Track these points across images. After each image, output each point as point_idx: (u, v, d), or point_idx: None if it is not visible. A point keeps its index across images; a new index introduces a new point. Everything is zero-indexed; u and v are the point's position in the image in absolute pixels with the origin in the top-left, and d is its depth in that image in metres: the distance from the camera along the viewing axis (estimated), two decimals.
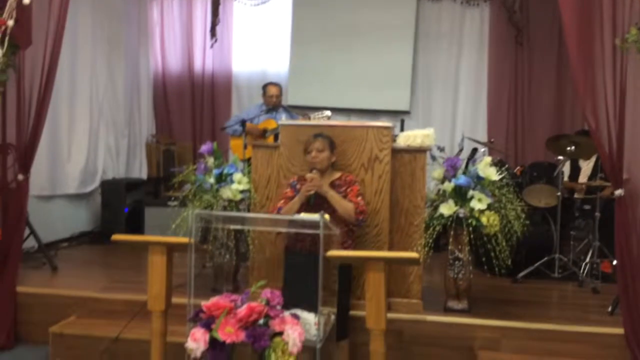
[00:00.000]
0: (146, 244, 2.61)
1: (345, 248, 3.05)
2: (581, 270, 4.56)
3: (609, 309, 3.71)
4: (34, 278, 4.21)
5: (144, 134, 7.03)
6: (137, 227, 5.71)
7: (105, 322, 3.70)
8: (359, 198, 3.08)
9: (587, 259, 4.62)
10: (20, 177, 3.91)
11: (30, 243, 4.66)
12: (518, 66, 6.80)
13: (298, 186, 3.14)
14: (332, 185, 3.07)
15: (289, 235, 3.10)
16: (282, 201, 3.17)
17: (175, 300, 2.74)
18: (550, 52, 6.70)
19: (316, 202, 2.98)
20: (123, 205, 5.79)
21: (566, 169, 5.32)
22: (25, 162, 3.92)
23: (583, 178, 5.20)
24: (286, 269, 3.15)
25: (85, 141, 5.91)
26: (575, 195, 5.14)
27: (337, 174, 3.16)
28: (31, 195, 4.74)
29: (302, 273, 2.87)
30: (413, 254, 2.36)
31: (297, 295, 2.63)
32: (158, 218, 5.56)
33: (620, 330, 3.33)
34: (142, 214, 5.79)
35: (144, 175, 6.85)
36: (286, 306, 2.51)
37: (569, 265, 4.56)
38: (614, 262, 4.31)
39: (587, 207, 4.84)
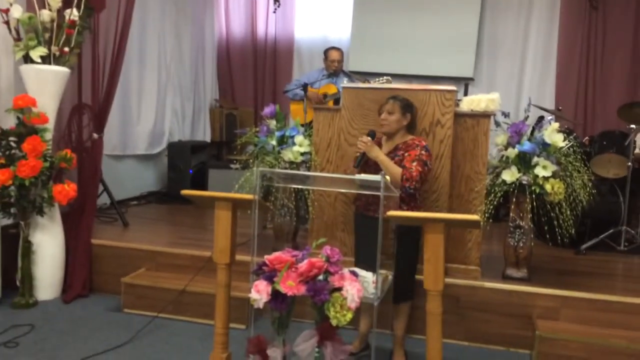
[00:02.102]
0: (213, 200, 2.71)
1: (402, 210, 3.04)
2: None
3: None
4: (106, 232, 4.47)
5: (207, 98, 7.21)
6: (200, 188, 5.90)
7: (172, 275, 3.92)
8: (414, 163, 2.91)
9: None
10: (95, 136, 4.13)
11: (103, 200, 4.93)
12: (591, 32, 6.47)
13: None
14: (395, 148, 3.03)
15: (356, 195, 3.12)
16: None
17: (238, 257, 2.85)
18: (626, 17, 6.33)
19: (372, 165, 2.99)
20: (188, 166, 6.00)
21: (638, 139, 5.08)
22: (99, 122, 4.13)
23: None
24: (356, 230, 3.20)
25: (153, 104, 6.13)
26: None
27: (407, 137, 3.07)
28: (104, 155, 5.01)
29: (362, 232, 2.93)
30: (474, 216, 2.34)
31: (362, 254, 2.69)
32: (221, 179, 5.74)
33: None
34: (206, 175, 5.98)
35: (207, 138, 7.06)
36: (357, 264, 2.58)
37: (636, 238, 4.41)
38: None
39: None
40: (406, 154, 2.99)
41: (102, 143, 4.22)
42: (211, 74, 7.30)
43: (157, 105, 6.18)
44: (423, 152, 2.97)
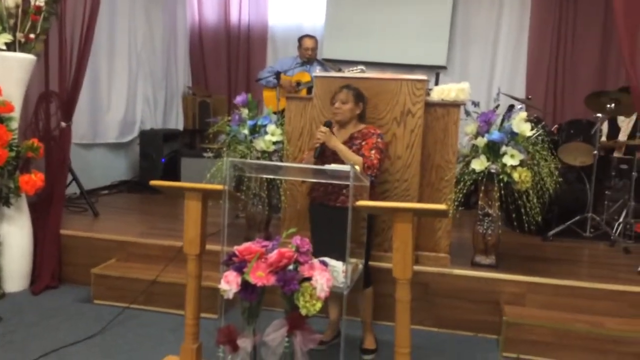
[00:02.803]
0: (182, 190, 2.70)
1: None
2: (614, 230, 4.51)
3: (639, 268, 3.68)
4: (76, 222, 4.41)
5: (180, 86, 7.13)
6: (173, 176, 5.86)
7: (143, 266, 3.89)
8: (373, 152, 2.94)
9: (621, 219, 4.56)
10: (63, 124, 4.06)
11: (72, 189, 4.86)
12: (562, 21, 6.57)
13: None
14: (350, 137, 3.03)
15: (314, 187, 3.13)
16: (306, 152, 3.18)
17: (210, 247, 2.84)
18: (597, 7, 6.43)
19: (329, 155, 2.97)
20: (160, 155, 5.93)
21: (604, 127, 5.19)
22: (67, 109, 4.06)
23: (623, 137, 5.08)
24: (312, 220, 3.19)
25: (124, 91, 6.04)
26: (614, 154, 5.04)
27: (360, 127, 3.09)
28: (73, 143, 4.92)
29: (328, 224, 2.93)
30: (441, 206, 2.37)
31: (325, 245, 2.69)
32: (193, 168, 5.70)
33: None
34: (179, 164, 5.94)
35: (180, 126, 7.00)
36: (314, 255, 2.58)
37: (601, 224, 4.52)
38: None
39: (624, 166, 4.75)
40: (363, 143, 3.01)
41: (71, 132, 4.15)
42: (183, 61, 7.21)
43: (128, 93, 6.09)
44: (379, 140, 3.02)
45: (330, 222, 2.90)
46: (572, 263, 4.01)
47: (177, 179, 5.86)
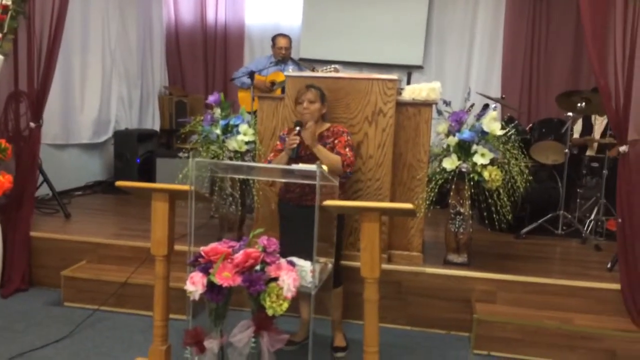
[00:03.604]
0: (149, 191, 2.67)
1: (335, 199, 3.06)
2: (585, 228, 4.57)
3: (608, 265, 3.74)
4: (47, 224, 4.35)
5: (156, 86, 7.05)
6: (148, 177, 5.79)
7: (114, 267, 3.85)
8: (347, 149, 3.00)
9: (592, 217, 4.62)
10: (32, 124, 3.99)
11: (45, 190, 4.79)
12: (535, 21, 6.63)
13: (287, 138, 3.09)
14: (320, 136, 3.04)
15: (283, 187, 3.12)
16: (272, 154, 3.15)
17: (180, 248, 2.82)
18: (569, 8, 6.50)
19: (303, 155, 2.97)
20: (135, 155, 5.87)
21: (578, 126, 5.26)
22: (36, 109, 3.99)
23: (596, 136, 5.14)
24: (281, 219, 3.17)
25: (98, 91, 5.96)
26: (587, 153, 5.10)
27: (326, 125, 3.11)
28: (45, 144, 4.87)
29: (297, 223, 2.92)
30: (407, 205, 2.38)
31: (294, 245, 2.69)
32: (169, 169, 5.62)
33: (617, 286, 3.38)
34: (154, 164, 5.87)
35: (156, 126, 6.92)
36: (283, 255, 2.58)
37: (573, 222, 4.57)
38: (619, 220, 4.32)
39: (595, 164, 4.81)
40: (336, 141, 3.03)
41: (40, 132, 4.08)
42: (159, 60, 7.13)
43: (101, 93, 6.01)
44: (349, 137, 3.08)
45: (303, 222, 2.87)
46: (543, 260, 4.05)
47: (152, 179, 5.79)
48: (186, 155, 4.01)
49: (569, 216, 4.59)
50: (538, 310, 3.42)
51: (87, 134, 5.87)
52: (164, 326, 2.77)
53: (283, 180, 3.06)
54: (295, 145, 2.94)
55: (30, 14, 3.88)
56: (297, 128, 2.97)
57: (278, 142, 3.18)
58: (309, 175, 2.50)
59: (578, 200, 4.84)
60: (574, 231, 4.60)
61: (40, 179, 4.57)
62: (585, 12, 3.24)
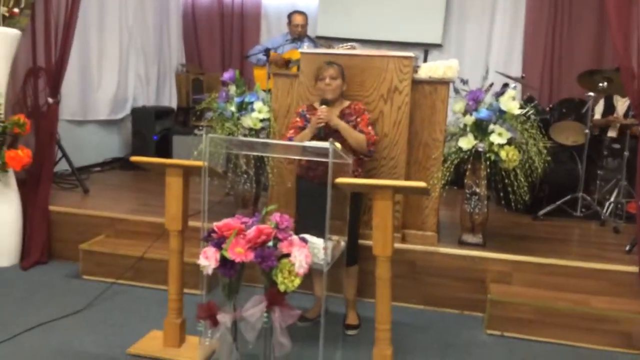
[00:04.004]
0: (163, 166, 2.69)
1: (356, 177, 3.06)
2: (604, 210, 4.50)
3: (627, 247, 3.69)
4: (66, 199, 4.41)
5: (173, 63, 7.06)
6: (165, 154, 5.83)
7: (131, 242, 3.90)
8: (369, 127, 3.02)
9: (612, 199, 4.55)
10: (50, 100, 4.03)
11: (64, 166, 4.85)
12: None
13: (308, 115, 3.09)
14: (342, 114, 3.02)
15: (301, 164, 3.10)
16: (291, 131, 3.11)
17: (195, 224, 2.85)
18: None
19: (327, 133, 2.94)
20: (152, 133, 5.90)
21: (600, 107, 5.15)
22: (54, 85, 4.02)
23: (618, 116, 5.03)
24: (298, 196, 3.17)
25: (115, 68, 5.98)
26: (609, 133, 5.00)
27: (346, 103, 3.09)
28: (63, 120, 4.93)
29: (313, 201, 2.91)
30: (420, 183, 2.36)
31: (310, 222, 2.69)
32: (186, 146, 5.64)
33: (634, 269, 3.33)
34: (171, 141, 5.91)
35: (173, 104, 6.94)
36: (298, 232, 2.58)
37: (592, 204, 4.51)
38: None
39: (616, 146, 4.71)
40: (358, 119, 3.03)
41: (58, 108, 4.12)
42: (177, 37, 7.12)
43: (119, 69, 6.03)
44: (369, 116, 3.10)
45: (324, 200, 2.85)
46: (560, 242, 4.01)
47: (169, 156, 5.83)
48: (201, 132, 4.02)
49: (588, 198, 4.52)
50: (553, 292, 3.39)
51: (105, 110, 5.91)
52: (178, 300, 2.82)
53: (300, 157, 3.03)
54: (323, 124, 2.92)
55: None
56: (323, 106, 2.94)
57: (298, 119, 3.14)
58: (322, 152, 2.49)
59: (598, 182, 4.76)
60: (592, 213, 4.53)
61: (59, 154, 4.62)
62: None
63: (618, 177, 4.61)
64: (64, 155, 4.73)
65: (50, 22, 3.91)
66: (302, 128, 3.06)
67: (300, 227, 2.80)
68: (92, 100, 5.72)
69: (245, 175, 3.89)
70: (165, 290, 3.47)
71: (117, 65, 6.00)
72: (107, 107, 5.92)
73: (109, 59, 5.89)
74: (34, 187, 4.01)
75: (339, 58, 3.35)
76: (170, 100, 6.94)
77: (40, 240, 3.95)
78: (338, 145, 2.48)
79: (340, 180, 2.42)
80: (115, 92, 6.00)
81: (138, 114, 6.04)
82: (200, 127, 3.97)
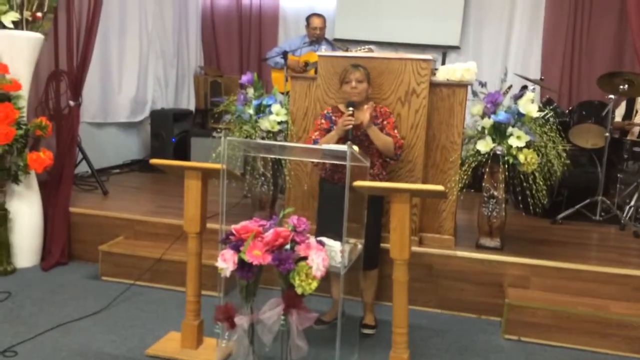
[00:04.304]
0: (182, 169, 2.72)
1: (380, 180, 3.05)
2: (624, 214, 4.44)
3: None
4: (86, 200, 4.47)
5: (192, 66, 7.13)
6: (183, 156, 5.87)
7: (150, 244, 3.95)
8: (395, 131, 3.04)
9: (632, 203, 4.49)
10: (72, 103, 4.09)
11: (84, 168, 4.93)
12: (578, 0, 6.40)
13: (334, 118, 3.10)
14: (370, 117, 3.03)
15: (327, 166, 3.10)
16: (316, 133, 3.10)
17: (212, 226, 2.87)
18: None
19: (355, 135, 2.94)
20: (171, 135, 5.96)
21: (621, 109, 5.08)
22: (76, 88, 4.09)
23: (638, 120, 4.96)
24: (321, 199, 3.18)
25: (135, 71, 6.05)
26: (629, 137, 4.94)
27: (372, 106, 3.08)
28: (84, 122, 4.99)
29: (337, 203, 2.91)
30: (438, 187, 2.36)
31: (331, 224, 2.69)
32: (204, 148, 5.70)
33: None
34: (189, 144, 5.95)
35: (191, 106, 7.01)
36: (319, 235, 2.59)
37: (612, 208, 4.45)
38: None
39: (637, 149, 4.65)
40: (385, 122, 3.04)
41: (79, 110, 4.18)
42: (195, 40, 7.19)
43: (139, 73, 6.10)
44: (394, 120, 3.10)
45: (333, 201, 2.82)
46: (579, 246, 3.96)
47: (187, 158, 5.87)
48: (220, 134, 4.05)
49: (608, 202, 4.46)
50: (572, 297, 3.35)
51: (125, 113, 5.98)
52: (196, 302, 2.84)
53: (317, 160, 3.03)
54: (351, 126, 2.91)
55: None
56: (351, 109, 2.94)
57: (323, 121, 3.13)
58: (341, 155, 2.50)
59: (618, 185, 4.69)
60: (612, 217, 4.47)
61: (80, 156, 4.69)
62: None
63: (638, 181, 4.54)
64: (84, 157, 4.80)
65: (72, 26, 3.97)
66: (328, 130, 3.06)
67: (322, 229, 2.81)
68: (112, 103, 5.79)
69: (263, 178, 3.91)
70: (182, 292, 3.50)
71: (137, 69, 6.06)
72: (126, 110, 5.99)
73: (129, 63, 5.96)
74: (54, 189, 4.07)
75: (357, 61, 3.35)
76: (189, 102, 7.01)
77: (61, 241, 4.01)
78: (356, 148, 2.48)
79: (358, 183, 2.42)
80: (135, 95, 6.07)
81: (157, 116, 6.10)
82: (219, 130, 4.00)
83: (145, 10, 6.14)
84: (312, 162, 3.46)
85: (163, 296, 3.59)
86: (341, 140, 2.93)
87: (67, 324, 3.11)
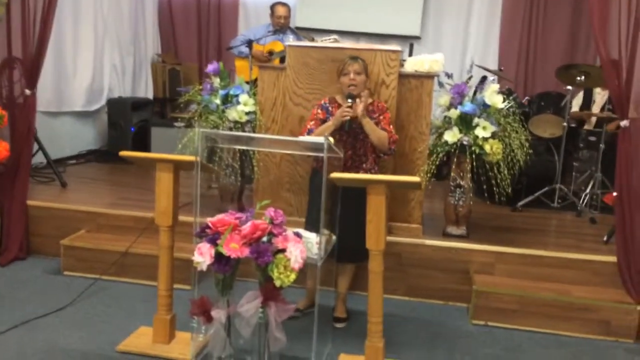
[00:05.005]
0: (153, 161, 2.65)
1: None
2: (581, 201, 4.62)
3: (605, 238, 3.80)
4: (43, 193, 4.31)
5: (149, 53, 6.92)
6: (143, 146, 5.74)
7: (113, 237, 3.84)
8: (391, 127, 3.06)
9: (588, 190, 4.67)
10: (27, 91, 3.92)
11: (39, 159, 4.73)
12: None
13: (330, 109, 3.08)
14: (366, 111, 3.01)
15: (317, 158, 3.08)
16: (312, 122, 3.08)
17: (181, 218, 2.82)
18: None
19: (351, 128, 2.95)
20: (129, 124, 5.79)
21: (578, 99, 5.25)
22: (31, 77, 3.91)
23: (596, 109, 5.13)
24: (311, 189, 3.17)
25: (90, 58, 5.84)
26: (585, 127, 5.12)
27: (370, 100, 3.08)
28: (38, 112, 4.77)
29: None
30: (414, 178, 2.39)
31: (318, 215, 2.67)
32: (164, 138, 5.59)
33: (612, 259, 3.43)
34: (149, 133, 5.81)
35: (149, 94, 6.81)
36: (308, 225, 2.56)
37: (569, 195, 4.62)
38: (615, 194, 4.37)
39: (592, 138, 4.83)
40: (381, 117, 3.05)
41: (35, 99, 4.01)
42: (152, 27, 6.97)
43: (94, 60, 5.89)
44: (390, 115, 3.12)
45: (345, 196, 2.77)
46: (540, 233, 4.11)
47: (147, 148, 5.74)
48: (183, 124, 3.98)
49: (565, 189, 4.63)
50: (535, 282, 3.47)
51: (80, 101, 5.77)
52: (168, 296, 2.79)
53: (293, 152, 3.01)
54: (348, 118, 2.90)
55: None
56: (350, 100, 2.93)
57: (319, 111, 3.11)
58: (318, 147, 2.50)
59: (574, 173, 4.87)
60: (569, 204, 4.65)
61: (35, 147, 4.50)
62: None
63: (592, 169, 4.73)
64: (41, 148, 4.62)
65: (26, 10, 3.79)
66: (323, 120, 3.04)
67: (309, 220, 2.80)
68: (67, 91, 5.57)
69: (230, 169, 3.86)
70: (149, 286, 3.48)
71: (92, 55, 5.85)
72: (82, 98, 5.78)
73: (84, 49, 5.74)
74: (10, 182, 3.90)
75: (326, 51, 3.36)
76: (147, 91, 6.81)
77: (19, 235, 3.86)
78: (331, 139, 2.48)
79: (334, 175, 2.43)
80: (91, 82, 5.85)
81: (114, 105, 5.91)
82: (180, 119, 3.93)
83: None
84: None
85: (129, 290, 3.52)
86: (336, 131, 2.95)
87: (32, 321, 3.00)
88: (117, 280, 3.62)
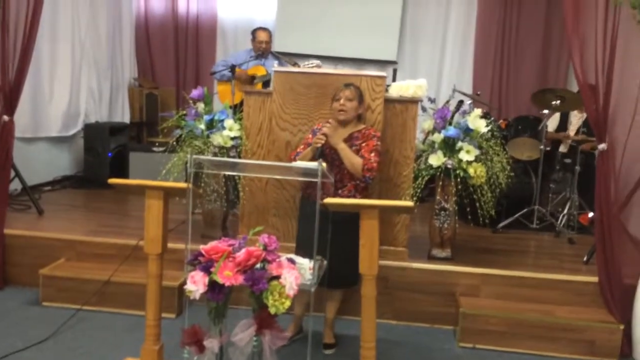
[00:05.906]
0: (143, 188, 2.61)
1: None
2: (558, 222, 4.72)
3: (585, 258, 3.88)
4: (20, 221, 4.19)
5: (126, 78, 6.87)
6: (120, 171, 5.65)
7: (94, 265, 3.76)
8: (373, 154, 2.99)
9: (565, 211, 4.77)
10: (6, 118, 3.84)
11: (13, 185, 4.61)
12: (506, 19, 6.79)
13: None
14: (350, 137, 3.02)
15: (306, 184, 3.07)
16: (301, 146, 3.11)
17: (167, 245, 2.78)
18: (539, 5, 6.69)
19: (328, 153, 2.95)
20: (107, 149, 5.71)
21: (554, 121, 5.38)
22: (10, 103, 3.84)
23: (572, 130, 5.25)
24: (300, 217, 3.17)
25: (67, 82, 5.76)
26: (561, 149, 5.24)
27: (360, 127, 3.10)
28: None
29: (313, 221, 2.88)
30: (408, 203, 2.42)
31: (307, 241, 2.66)
32: (143, 163, 5.53)
33: (593, 279, 3.50)
34: (127, 158, 5.73)
35: (126, 119, 6.74)
36: (298, 251, 2.53)
37: (546, 216, 4.71)
38: (591, 215, 4.48)
39: (568, 160, 4.96)
40: (363, 144, 3.03)
41: (14, 125, 3.93)
42: (129, 51, 6.93)
43: (71, 84, 5.81)
44: (378, 143, 3.06)
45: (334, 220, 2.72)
46: (521, 254, 4.18)
47: (125, 174, 5.66)
48: (162, 149, 3.94)
49: (543, 210, 4.73)
50: (520, 303, 3.52)
51: (57, 126, 5.67)
52: (156, 325, 2.72)
53: (283, 177, 3.00)
54: (320, 144, 2.91)
55: (5, 4, 3.71)
56: (328, 123, 2.97)
57: (310, 136, 3.14)
58: (309, 173, 2.50)
59: (550, 195, 4.98)
60: (548, 225, 4.74)
61: (12, 173, 4.39)
62: (568, 17, 3.32)
63: (567, 190, 4.84)
64: (17, 174, 4.50)
65: (6, 37, 3.73)
66: (310, 145, 3.05)
67: (300, 246, 2.78)
68: (43, 116, 5.46)
69: (215, 194, 3.83)
70: (132, 315, 3.40)
71: (69, 80, 5.77)
72: (58, 123, 5.68)
73: (61, 73, 5.66)
74: None
75: (312, 77, 3.39)
76: (123, 115, 6.74)
77: None
78: (324, 164, 2.49)
79: (328, 200, 2.43)
80: (67, 107, 5.76)
81: (91, 130, 5.82)
82: (158, 144, 3.89)
83: (79, 19, 5.86)
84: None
85: (112, 320, 3.43)
86: (314, 158, 2.93)
87: (10, 356, 2.89)
88: (99, 310, 3.52)
